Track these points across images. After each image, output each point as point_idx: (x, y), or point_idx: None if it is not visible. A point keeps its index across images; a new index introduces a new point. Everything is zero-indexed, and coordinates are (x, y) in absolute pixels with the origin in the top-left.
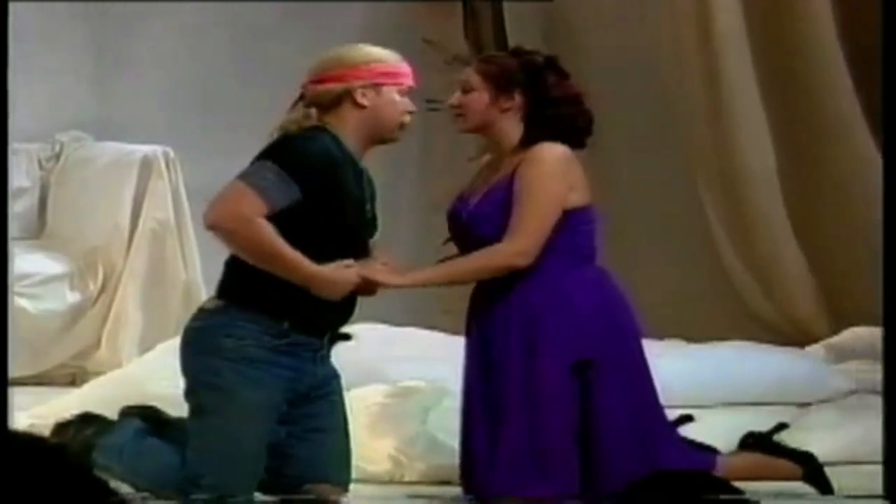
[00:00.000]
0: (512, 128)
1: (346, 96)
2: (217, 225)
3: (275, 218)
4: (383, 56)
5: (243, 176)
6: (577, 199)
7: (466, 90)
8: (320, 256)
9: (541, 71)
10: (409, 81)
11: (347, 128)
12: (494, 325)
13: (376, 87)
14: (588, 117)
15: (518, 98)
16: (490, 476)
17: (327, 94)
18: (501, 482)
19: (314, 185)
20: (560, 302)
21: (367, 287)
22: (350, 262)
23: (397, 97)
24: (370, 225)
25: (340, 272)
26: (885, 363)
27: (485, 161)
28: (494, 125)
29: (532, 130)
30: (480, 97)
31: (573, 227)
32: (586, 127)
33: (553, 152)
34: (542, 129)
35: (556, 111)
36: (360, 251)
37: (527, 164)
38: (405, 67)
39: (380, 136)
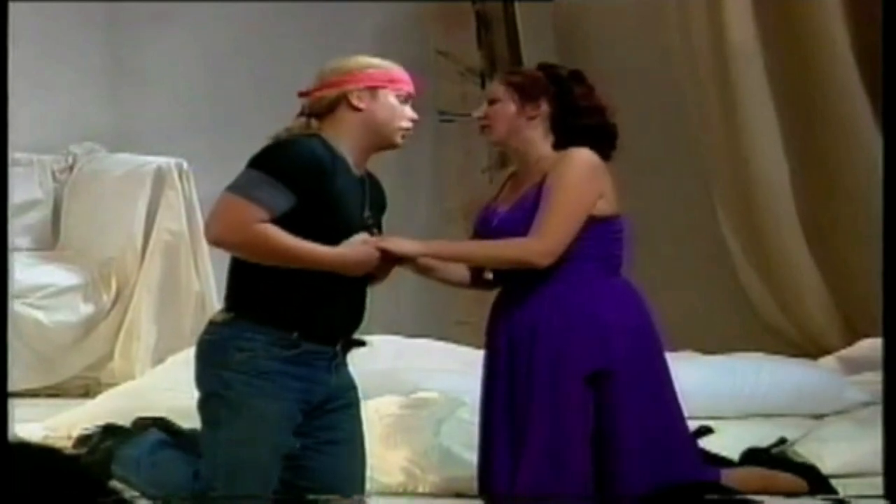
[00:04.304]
0: (538, 136)
1: (342, 101)
2: (220, 240)
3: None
4: (380, 63)
5: (232, 188)
6: (606, 207)
7: (492, 101)
8: None
9: (566, 81)
10: (407, 88)
11: (344, 134)
12: (522, 333)
13: (372, 90)
14: (613, 130)
15: (544, 106)
16: (513, 489)
17: (323, 101)
18: (523, 493)
19: (301, 188)
20: (588, 310)
21: (386, 259)
22: (364, 235)
23: (395, 102)
24: (368, 231)
25: (359, 250)
26: (885, 362)
27: (509, 172)
28: (521, 134)
29: (561, 138)
30: (506, 107)
31: (603, 235)
32: (611, 139)
33: (584, 156)
34: (570, 137)
35: (583, 120)
36: None
37: (559, 166)
38: (403, 74)
39: (378, 142)
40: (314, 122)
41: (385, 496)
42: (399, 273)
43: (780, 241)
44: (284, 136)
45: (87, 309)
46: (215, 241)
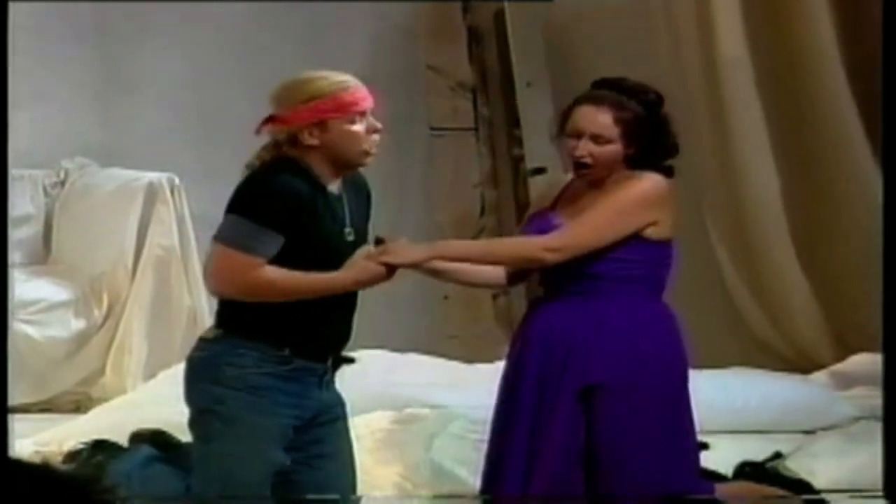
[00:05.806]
0: (622, 165)
1: (296, 136)
2: (223, 293)
3: None
4: (324, 89)
5: (223, 239)
6: (656, 232)
7: (600, 140)
8: None
9: (662, 115)
10: (359, 108)
11: (311, 160)
12: (558, 348)
13: (320, 124)
14: (678, 147)
15: (639, 143)
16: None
17: (281, 132)
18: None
19: (287, 227)
20: (620, 329)
21: (391, 269)
22: (368, 248)
23: (348, 128)
24: (353, 248)
25: (365, 267)
26: (885, 360)
27: (569, 179)
28: (613, 170)
29: (638, 164)
30: (615, 150)
31: (651, 258)
32: (675, 156)
33: (648, 185)
34: (647, 163)
35: (666, 152)
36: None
37: (623, 183)
38: (352, 94)
39: (342, 166)
40: (284, 147)
41: None
42: (392, 288)
43: (770, 255)
44: (256, 166)
45: (78, 324)
46: (219, 295)
